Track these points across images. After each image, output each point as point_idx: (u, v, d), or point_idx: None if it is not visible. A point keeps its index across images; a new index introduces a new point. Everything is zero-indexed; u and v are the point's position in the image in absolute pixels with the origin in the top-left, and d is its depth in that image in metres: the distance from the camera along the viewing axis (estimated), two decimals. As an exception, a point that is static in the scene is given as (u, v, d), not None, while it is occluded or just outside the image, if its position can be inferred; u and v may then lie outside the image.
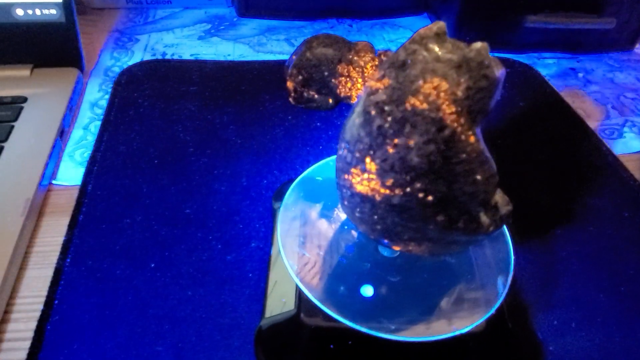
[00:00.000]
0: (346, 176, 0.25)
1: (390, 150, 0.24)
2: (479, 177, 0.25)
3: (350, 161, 0.25)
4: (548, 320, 0.32)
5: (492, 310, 0.28)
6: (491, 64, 0.23)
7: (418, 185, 0.24)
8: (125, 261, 0.33)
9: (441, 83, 0.23)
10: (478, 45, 0.23)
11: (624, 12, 0.59)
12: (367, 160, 0.24)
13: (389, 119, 0.23)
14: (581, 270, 0.35)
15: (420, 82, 0.23)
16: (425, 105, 0.23)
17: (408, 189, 0.24)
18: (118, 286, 0.32)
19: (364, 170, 0.25)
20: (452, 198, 0.25)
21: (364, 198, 0.25)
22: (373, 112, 0.24)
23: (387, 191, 0.24)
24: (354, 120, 0.25)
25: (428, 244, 0.27)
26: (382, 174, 0.24)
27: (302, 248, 0.29)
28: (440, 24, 0.24)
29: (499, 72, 0.23)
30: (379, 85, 0.24)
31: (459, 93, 0.23)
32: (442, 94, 0.23)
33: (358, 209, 0.26)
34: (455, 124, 0.23)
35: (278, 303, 0.29)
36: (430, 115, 0.23)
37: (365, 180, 0.25)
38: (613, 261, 0.36)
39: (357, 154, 0.25)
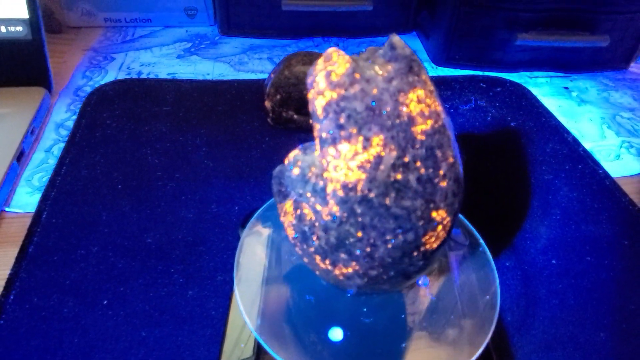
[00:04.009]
0: (415, 253, 0.23)
1: (444, 184, 0.22)
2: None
3: (414, 238, 0.22)
4: (542, 364, 0.28)
5: (478, 354, 0.25)
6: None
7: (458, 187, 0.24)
8: (74, 298, 0.30)
9: (417, 93, 0.22)
10: (396, 39, 0.22)
11: (617, 29, 0.57)
12: (434, 214, 0.22)
13: (419, 164, 0.21)
14: (578, 306, 0.32)
15: (405, 109, 0.21)
16: (429, 122, 0.22)
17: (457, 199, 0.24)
18: (64, 327, 0.29)
19: (436, 225, 0.23)
20: None
21: (436, 251, 0.24)
22: (400, 175, 0.21)
23: (453, 216, 0.24)
24: (384, 205, 0.21)
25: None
26: (452, 207, 0.23)
27: (264, 285, 0.26)
28: (339, 51, 0.23)
29: None
30: (375, 150, 0.21)
31: (432, 87, 0.22)
32: (427, 100, 0.22)
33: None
34: (445, 113, 0.23)
35: (236, 349, 0.26)
36: (439, 124, 0.22)
37: (442, 232, 0.23)
38: (613, 295, 0.32)
39: (421, 222, 0.22)
